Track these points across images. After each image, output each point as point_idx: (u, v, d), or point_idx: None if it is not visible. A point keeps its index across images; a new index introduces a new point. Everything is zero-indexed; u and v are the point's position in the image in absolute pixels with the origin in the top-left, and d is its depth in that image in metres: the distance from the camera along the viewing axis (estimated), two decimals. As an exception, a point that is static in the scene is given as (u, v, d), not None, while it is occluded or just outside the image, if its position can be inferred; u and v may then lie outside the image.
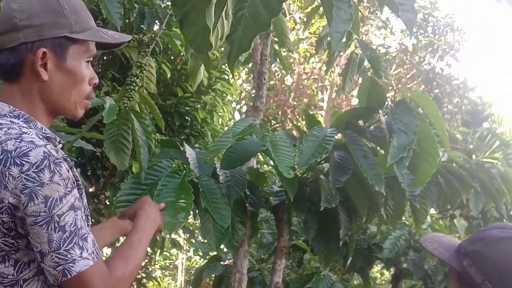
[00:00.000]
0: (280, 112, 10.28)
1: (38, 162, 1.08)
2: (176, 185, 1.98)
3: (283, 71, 10.06)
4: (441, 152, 3.32)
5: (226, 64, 4.73)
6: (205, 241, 3.47)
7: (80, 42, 1.24)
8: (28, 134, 1.13)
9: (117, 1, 1.81)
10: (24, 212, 1.08)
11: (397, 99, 2.14)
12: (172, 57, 4.61)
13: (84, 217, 1.16)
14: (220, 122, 5.28)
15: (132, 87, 2.14)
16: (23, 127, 1.16)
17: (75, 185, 1.16)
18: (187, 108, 4.69)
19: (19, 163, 1.08)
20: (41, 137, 1.18)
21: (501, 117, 11.48)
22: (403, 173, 2.29)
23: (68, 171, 1.14)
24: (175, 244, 6.09)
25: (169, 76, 4.32)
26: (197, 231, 5.53)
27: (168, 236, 5.70)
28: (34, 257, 1.13)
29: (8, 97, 1.20)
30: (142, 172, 2.02)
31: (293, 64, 9.98)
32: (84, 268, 1.11)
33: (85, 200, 1.22)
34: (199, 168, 2.20)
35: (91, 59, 1.29)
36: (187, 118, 4.70)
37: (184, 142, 4.56)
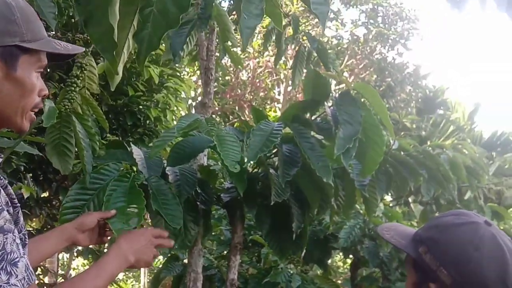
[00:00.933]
0: (237, 107, 10.26)
1: None
2: (125, 189, 1.93)
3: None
4: (391, 140, 3.38)
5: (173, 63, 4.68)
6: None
7: (31, 52, 1.19)
8: None
9: (50, 0, 1.74)
10: None
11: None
12: (120, 56, 4.51)
13: (16, 239, 1.10)
14: (174, 120, 5.23)
15: (73, 88, 2.07)
16: None
17: (9, 205, 1.11)
18: (140, 107, 4.62)
19: None
20: None
21: (455, 103, 11.76)
22: (351, 163, 2.31)
23: None
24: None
25: (118, 75, 4.23)
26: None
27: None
28: None
29: None
30: (87, 176, 1.96)
31: (247, 59, 9.97)
32: None
33: (22, 219, 1.17)
34: (148, 168, 2.15)
35: (42, 70, 1.24)
36: (139, 117, 4.63)
37: (137, 143, 4.50)
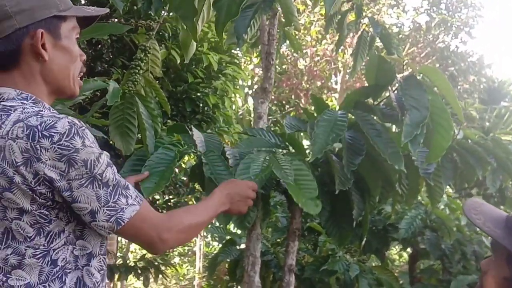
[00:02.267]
0: (293, 96, 10.21)
1: (66, 131, 1.14)
2: (171, 156, 1.94)
3: (295, 54, 9.97)
4: (456, 129, 3.24)
5: (236, 47, 4.68)
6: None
7: (68, 20, 1.30)
8: (44, 111, 1.19)
9: (116, -17, 1.78)
10: (68, 178, 1.15)
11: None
12: (181, 43, 4.56)
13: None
14: (232, 107, 5.25)
15: (137, 71, 2.11)
16: (35, 106, 1.21)
17: None
18: (198, 94, 4.67)
19: (48, 135, 1.13)
20: None
21: (519, 94, 11.23)
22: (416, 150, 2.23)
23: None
24: (191, 230, 6.08)
25: (178, 62, 4.28)
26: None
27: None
28: (63, 228, 1.20)
29: (10, 83, 1.24)
30: (148, 155, 1.98)
31: (305, 47, 9.88)
32: (133, 214, 1.22)
33: None
34: (205, 148, 2.16)
35: (78, 36, 1.35)
36: (198, 103, 4.68)
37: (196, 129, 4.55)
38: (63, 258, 1.19)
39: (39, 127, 1.13)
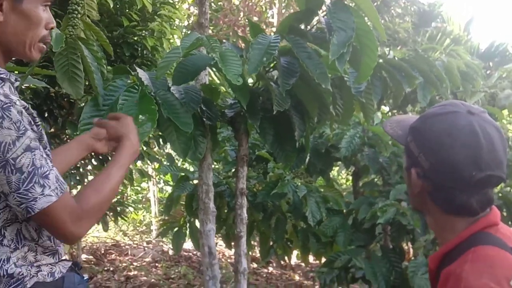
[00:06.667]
0: (231, 33, 10.16)
1: None
2: (135, 98, 2.04)
3: (229, -9, 9.87)
4: (386, 51, 3.44)
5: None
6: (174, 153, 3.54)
7: None
8: None
9: None
10: None
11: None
12: (113, -14, 4.49)
13: (43, 154, 1.22)
14: (171, 48, 5.24)
15: (75, 15, 2.15)
16: None
17: (32, 124, 1.22)
18: (135, 38, 4.64)
19: None
20: None
21: (450, 15, 11.56)
22: (348, 71, 2.41)
23: (20, 113, 1.18)
24: (143, 174, 6.19)
25: (112, 6, 4.24)
26: (163, 159, 5.65)
27: (135, 166, 5.80)
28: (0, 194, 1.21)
29: None
30: (99, 98, 2.06)
31: (238, -17, 9.78)
32: (46, 205, 1.18)
33: (45, 138, 1.28)
34: (153, 87, 2.26)
35: (49, 3, 1.31)
36: (136, 47, 4.66)
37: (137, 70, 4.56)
38: (4, 219, 1.24)
39: None
